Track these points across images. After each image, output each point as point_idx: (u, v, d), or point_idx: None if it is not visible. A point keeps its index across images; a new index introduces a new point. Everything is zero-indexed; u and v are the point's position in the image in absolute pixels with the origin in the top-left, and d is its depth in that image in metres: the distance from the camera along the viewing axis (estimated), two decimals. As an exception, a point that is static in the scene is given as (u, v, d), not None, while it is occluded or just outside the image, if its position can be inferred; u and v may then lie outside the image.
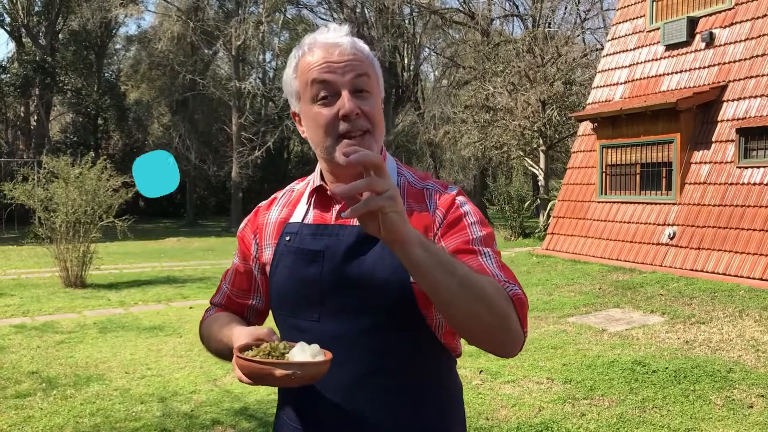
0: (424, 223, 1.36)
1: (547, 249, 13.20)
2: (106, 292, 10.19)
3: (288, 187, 1.59)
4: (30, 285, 10.77)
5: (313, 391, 1.37)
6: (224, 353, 1.41)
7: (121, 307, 9.03)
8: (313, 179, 1.48)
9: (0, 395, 5.20)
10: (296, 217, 1.46)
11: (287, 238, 1.44)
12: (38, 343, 6.87)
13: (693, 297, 8.38)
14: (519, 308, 1.23)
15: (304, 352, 1.23)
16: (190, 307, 8.83)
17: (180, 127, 28.59)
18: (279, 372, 1.18)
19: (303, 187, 1.53)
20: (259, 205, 1.58)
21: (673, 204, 10.93)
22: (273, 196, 1.58)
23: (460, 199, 1.40)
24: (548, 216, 16.81)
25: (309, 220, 1.44)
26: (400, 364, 1.37)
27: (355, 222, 1.33)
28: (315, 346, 1.25)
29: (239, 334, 1.32)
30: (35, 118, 29.11)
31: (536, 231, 17.99)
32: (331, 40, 1.35)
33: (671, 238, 10.63)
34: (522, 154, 21.84)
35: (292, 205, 1.50)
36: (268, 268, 1.48)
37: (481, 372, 5.52)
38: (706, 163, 10.63)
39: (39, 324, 7.80)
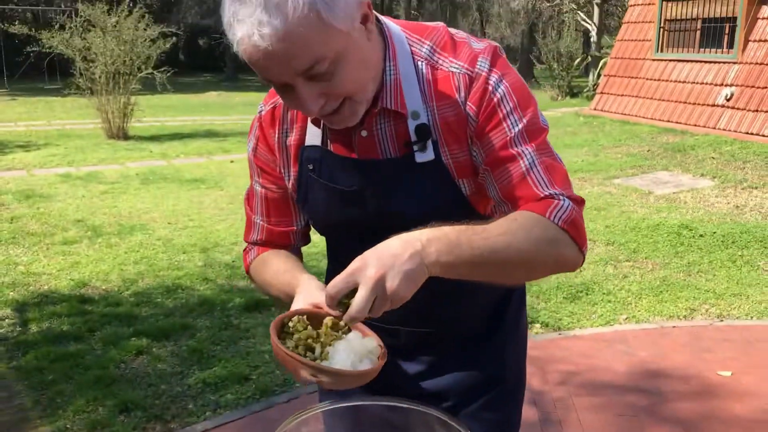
0: (459, 130, 1.15)
1: (595, 109, 12.73)
2: (147, 144, 10.25)
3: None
4: (74, 136, 10.88)
5: None
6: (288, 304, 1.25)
7: (164, 159, 9.09)
8: None
9: (49, 241, 5.35)
10: (312, 139, 1.22)
11: (310, 167, 1.22)
12: (83, 192, 6.99)
13: (747, 161, 8.05)
14: (574, 234, 1.09)
15: (349, 353, 1.00)
16: (231, 161, 8.84)
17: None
18: (303, 373, 0.98)
19: None
20: (260, 114, 1.28)
21: (733, 63, 10.28)
22: (271, 105, 1.26)
23: (493, 79, 1.13)
24: (598, 75, 16.10)
25: (329, 146, 1.21)
26: None
27: (385, 153, 1.18)
28: (370, 342, 1.03)
29: (299, 293, 1.16)
30: (71, -35, 28.35)
31: (584, 90, 17.33)
32: (245, 34, 0.98)
33: (728, 99, 10.09)
34: (575, 7, 20.69)
35: (301, 121, 1.23)
36: (294, 196, 1.29)
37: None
38: (775, 18, 9.87)
39: (83, 174, 7.92)
